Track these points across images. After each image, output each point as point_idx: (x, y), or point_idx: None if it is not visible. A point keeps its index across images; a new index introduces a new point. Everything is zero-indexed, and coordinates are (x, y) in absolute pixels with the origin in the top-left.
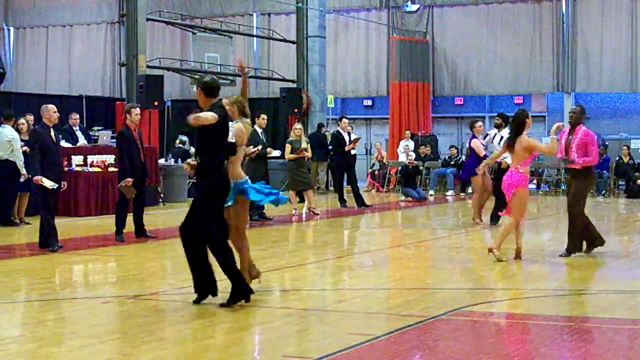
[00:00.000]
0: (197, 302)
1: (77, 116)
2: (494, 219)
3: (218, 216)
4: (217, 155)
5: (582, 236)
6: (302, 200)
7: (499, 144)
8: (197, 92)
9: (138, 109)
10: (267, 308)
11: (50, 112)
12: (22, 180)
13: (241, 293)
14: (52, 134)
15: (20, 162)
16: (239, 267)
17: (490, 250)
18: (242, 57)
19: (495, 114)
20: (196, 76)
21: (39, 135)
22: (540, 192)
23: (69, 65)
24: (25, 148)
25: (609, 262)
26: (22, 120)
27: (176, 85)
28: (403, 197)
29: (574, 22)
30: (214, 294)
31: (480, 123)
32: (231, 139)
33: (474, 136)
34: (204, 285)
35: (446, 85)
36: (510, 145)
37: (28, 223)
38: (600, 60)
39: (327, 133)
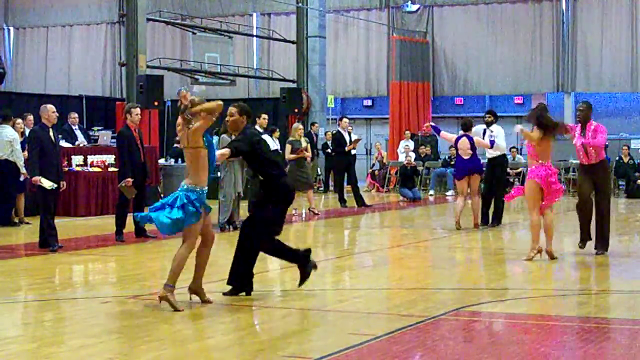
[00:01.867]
0: (227, 294)
1: (76, 115)
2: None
3: (277, 219)
4: (267, 167)
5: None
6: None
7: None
8: (231, 114)
9: (138, 109)
10: (267, 308)
11: (49, 112)
12: (22, 179)
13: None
14: (51, 134)
15: (20, 162)
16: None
17: (548, 252)
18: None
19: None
20: (196, 76)
21: (38, 136)
22: None
23: (68, 65)
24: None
25: (609, 262)
26: (18, 120)
27: (176, 85)
28: (401, 197)
29: (574, 22)
30: (248, 292)
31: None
32: (274, 147)
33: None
34: (240, 283)
35: (446, 85)
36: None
37: (28, 223)
38: (600, 60)
39: (327, 132)
